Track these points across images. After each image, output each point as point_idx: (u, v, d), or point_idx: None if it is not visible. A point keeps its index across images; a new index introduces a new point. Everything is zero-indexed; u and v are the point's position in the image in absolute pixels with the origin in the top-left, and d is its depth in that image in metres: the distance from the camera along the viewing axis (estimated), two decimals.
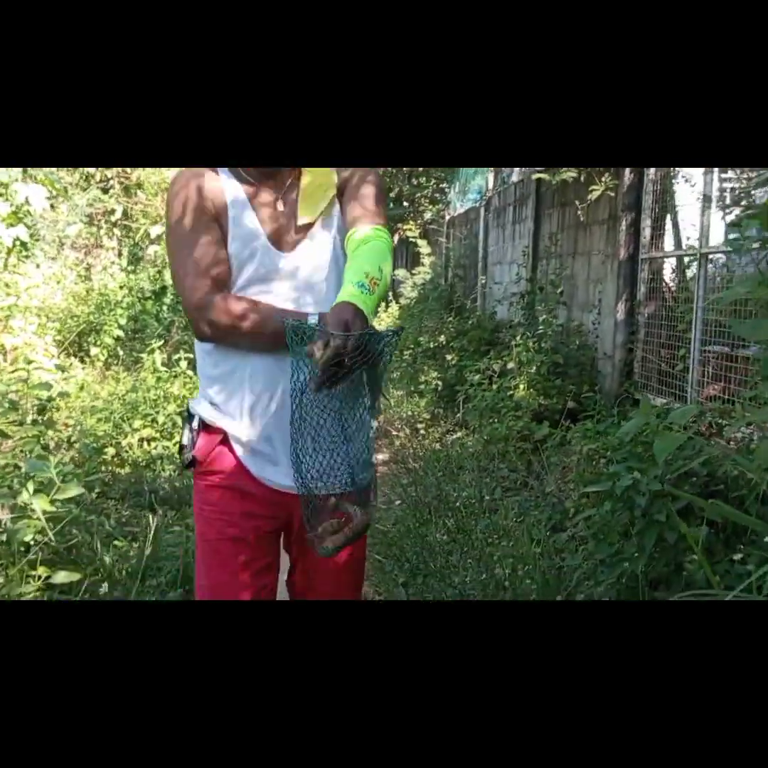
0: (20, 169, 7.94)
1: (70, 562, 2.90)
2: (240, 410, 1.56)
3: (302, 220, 1.57)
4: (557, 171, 5.42)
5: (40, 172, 8.28)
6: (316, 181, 1.60)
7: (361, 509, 1.41)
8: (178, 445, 1.65)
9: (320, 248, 1.60)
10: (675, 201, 5.30)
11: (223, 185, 1.56)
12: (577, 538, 3.18)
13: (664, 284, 5.49)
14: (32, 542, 2.48)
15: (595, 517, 2.68)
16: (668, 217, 5.34)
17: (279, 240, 1.57)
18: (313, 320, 1.42)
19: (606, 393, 5.51)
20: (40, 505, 2.35)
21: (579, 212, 5.61)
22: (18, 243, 7.19)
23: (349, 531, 1.39)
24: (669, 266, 5.53)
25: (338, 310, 1.31)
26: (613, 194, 5.08)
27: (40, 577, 2.48)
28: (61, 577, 2.46)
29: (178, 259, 1.55)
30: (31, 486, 2.53)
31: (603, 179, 4.95)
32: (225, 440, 1.57)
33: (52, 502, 2.46)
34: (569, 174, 5.08)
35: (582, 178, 5.27)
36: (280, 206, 1.58)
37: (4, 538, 2.44)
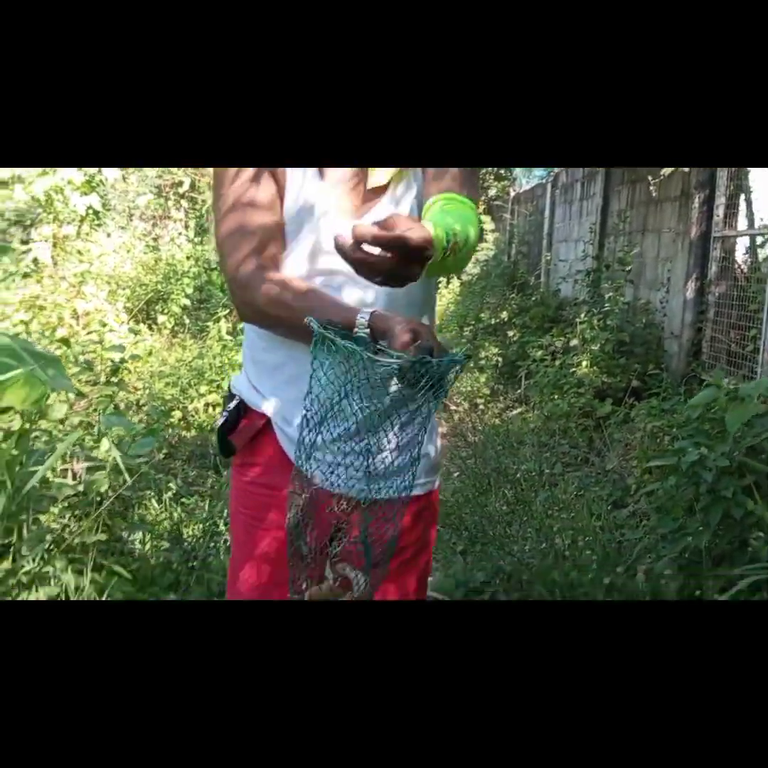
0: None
1: (140, 518, 3.02)
2: (284, 402, 1.35)
3: (373, 182, 1.31)
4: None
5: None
6: None
7: (365, 576, 1.14)
8: (216, 430, 1.44)
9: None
10: (749, 179, 5.16)
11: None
12: (639, 514, 3.16)
13: (736, 263, 5.36)
14: (106, 494, 2.58)
15: (659, 492, 2.66)
16: (742, 195, 5.21)
17: (344, 205, 1.32)
18: (362, 322, 1.11)
19: (672, 372, 5.42)
20: (116, 458, 2.44)
21: (651, 188, 5.49)
22: (91, 211, 7.39)
23: (347, 598, 1.12)
24: (742, 245, 5.40)
25: (405, 323, 1.06)
26: (686, 170, 4.96)
27: (110, 527, 2.60)
28: (131, 527, 2.56)
29: (226, 218, 1.30)
30: (106, 441, 2.64)
31: None
32: (267, 427, 1.37)
33: (125, 456, 2.55)
34: None
35: None
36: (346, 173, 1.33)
37: (81, 488, 2.54)
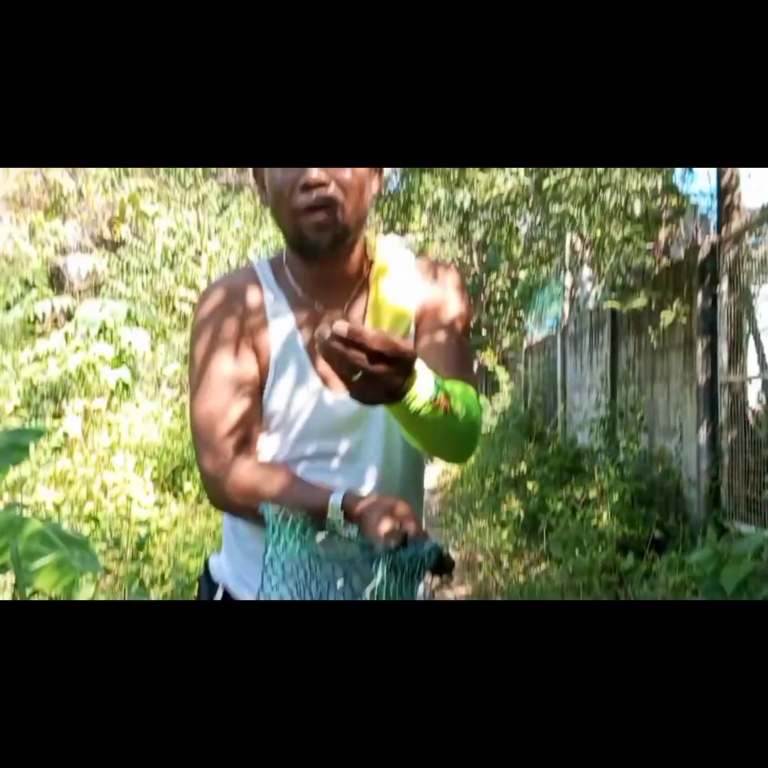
0: (126, 313, 8.56)
1: None
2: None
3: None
4: (627, 299, 5.57)
5: (142, 316, 8.93)
6: (387, 302, 1.29)
7: None
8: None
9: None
10: (756, 323, 5.31)
11: (267, 312, 1.26)
12: None
13: (747, 408, 5.45)
14: None
15: None
16: (745, 340, 5.36)
17: (335, 377, 1.13)
18: (336, 502, 1.09)
19: (693, 521, 5.40)
20: None
21: (652, 339, 5.70)
22: (121, 385, 7.71)
23: None
24: (754, 389, 5.51)
25: (383, 511, 1.04)
26: (685, 320, 5.18)
27: None
28: None
29: (198, 404, 1.23)
30: None
31: (674, 306, 5.07)
32: None
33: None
34: (640, 302, 5.21)
35: (653, 306, 5.40)
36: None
37: None
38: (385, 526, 1.02)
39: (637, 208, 5.30)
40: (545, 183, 4.61)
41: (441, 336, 1.29)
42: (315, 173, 1.15)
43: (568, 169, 4.57)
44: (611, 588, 4.57)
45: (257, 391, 1.24)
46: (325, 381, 1.24)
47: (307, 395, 1.25)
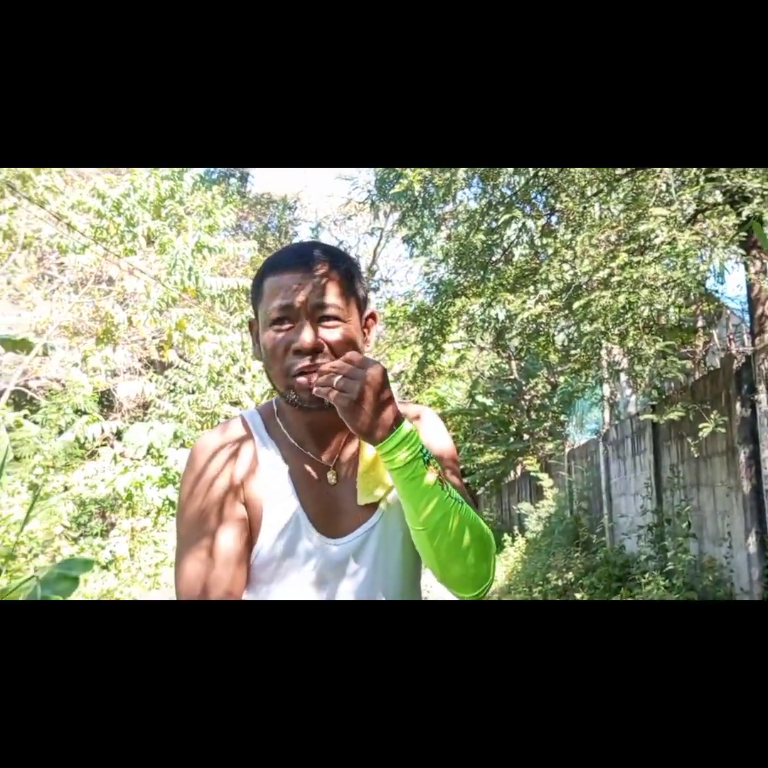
0: (172, 433, 8.80)
1: None
2: None
3: (363, 500, 1.24)
4: (664, 411, 5.59)
5: (188, 436, 9.15)
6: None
7: None
8: None
9: (393, 532, 1.25)
10: None
11: (260, 463, 1.25)
12: None
13: None
14: None
15: None
16: None
17: (328, 524, 1.23)
18: None
19: None
20: None
21: (692, 448, 5.68)
22: (167, 503, 7.85)
23: None
24: None
25: None
26: (723, 430, 5.17)
27: None
28: None
29: (183, 555, 1.19)
30: None
31: (712, 416, 5.07)
32: None
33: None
34: (677, 413, 5.23)
35: (691, 417, 5.41)
36: (332, 479, 1.26)
37: None
38: None
39: (672, 317, 5.40)
40: (575, 305, 4.74)
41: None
42: (308, 338, 1.14)
43: (597, 292, 4.71)
44: None
45: (246, 542, 1.21)
46: (320, 528, 1.22)
47: (304, 542, 1.22)
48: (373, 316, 1.29)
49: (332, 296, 1.18)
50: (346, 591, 1.22)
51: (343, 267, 1.21)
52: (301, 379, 1.15)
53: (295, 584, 1.21)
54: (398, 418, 1.10)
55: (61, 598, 3.15)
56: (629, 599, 2.42)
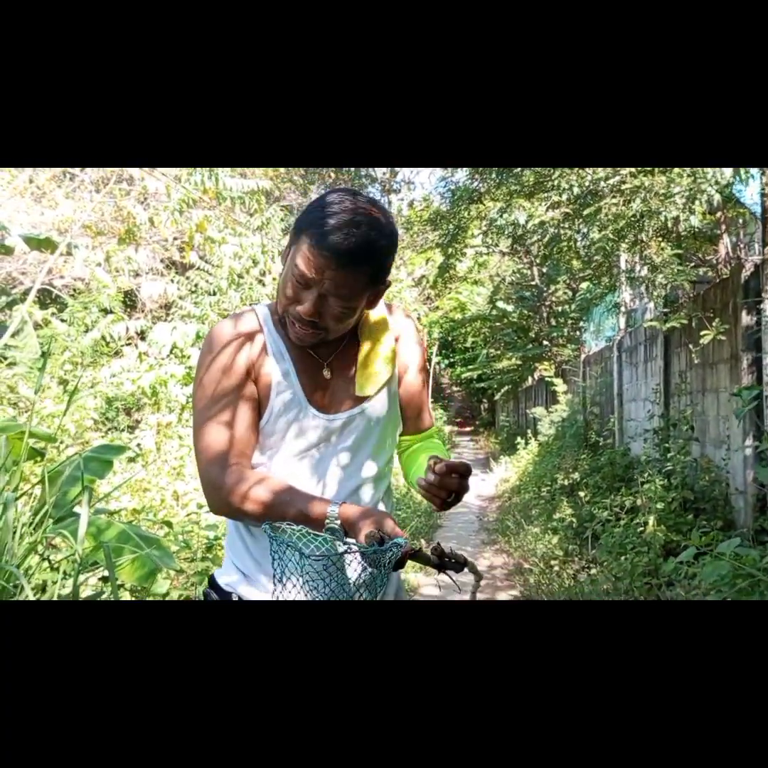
0: (195, 333, 9.01)
1: None
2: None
3: (359, 392, 1.52)
4: (666, 319, 5.74)
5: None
6: (376, 353, 1.54)
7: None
8: None
9: (373, 421, 1.54)
10: None
11: (269, 350, 1.48)
12: None
13: None
14: None
15: None
16: None
17: (322, 405, 1.50)
18: (333, 514, 1.32)
19: (741, 527, 5.54)
20: None
21: (693, 355, 5.86)
22: (190, 399, 8.17)
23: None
24: None
25: (368, 520, 1.29)
26: (723, 338, 5.33)
27: None
28: None
29: (203, 423, 1.42)
30: None
31: (714, 324, 5.23)
32: None
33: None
34: (680, 321, 5.39)
35: (693, 324, 5.56)
36: (326, 374, 1.51)
37: None
38: (367, 530, 1.27)
39: (694, 223, 5.47)
40: (586, 211, 4.84)
41: (417, 387, 1.63)
42: (308, 312, 1.38)
43: (607, 199, 4.80)
44: (653, 590, 4.78)
45: (256, 414, 1.46)
46: (317, 406, 1.49)
47: (305, 417, 1.48)
48: (387, 285, 1.49)
49: (345, 299, 1.39)
50: (329, 457, 1.49)
51: (372, 269, 1.39)
52: (295, 327, 1.42)
53: (293, 449, 1.47)
54: None
55: (97, 479, 3.46)
56: (628, 600, 2.54)
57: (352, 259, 1.34)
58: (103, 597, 2.94)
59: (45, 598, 2.37)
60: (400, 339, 1.61)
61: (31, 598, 2.11)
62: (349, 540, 1.30)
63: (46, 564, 2.82)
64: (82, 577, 2.78)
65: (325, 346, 1.50)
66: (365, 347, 1.54)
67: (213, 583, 1.54)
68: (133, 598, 3.08)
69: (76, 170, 9.82)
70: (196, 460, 1.44)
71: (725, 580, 3.07)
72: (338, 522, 1.31)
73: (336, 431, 1.50)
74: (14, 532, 2.45)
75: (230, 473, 1.39)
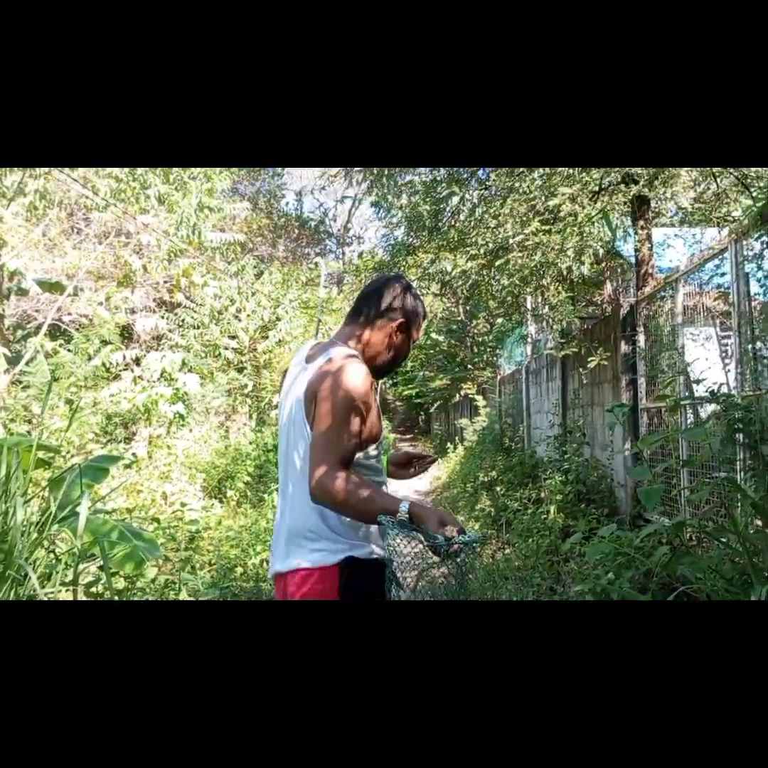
0: (181, 361, 8.93)
1: None
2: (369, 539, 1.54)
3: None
4: (561, 348, 5.87)
5: (194, 363, 9.30)
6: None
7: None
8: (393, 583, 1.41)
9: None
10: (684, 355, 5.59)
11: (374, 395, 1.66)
12: None
13: (662, 426, 5.73)
14: None
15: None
16: (659, 377, 5.66)
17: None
18: (404, 510, 1.37)
19: (622, 513, 5.67)
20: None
21: (582, 377, 6.00)
22: (177, 416, 8.05)
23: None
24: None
25: (437, 514, 1.36)
26: (606, 363, 5.47)
27: None
28: None
29: (349, 431, 1.50)
30: (184, 592, 3.02)
31: (599, 352, 5.38)
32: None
33: (199, 602, 2.92)
34: (572, 349, 5.52)
35: (582, 352, 5.70)
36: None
37: None
38: (440, 523, 1.31)
39: (575, 274, 5.64)
40: (497, 263, 4.95)
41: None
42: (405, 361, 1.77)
43: (514, 253, 4.92)
44: (554, 566, 4.86)
45: (370, 428, 1.59)
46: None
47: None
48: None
49: None
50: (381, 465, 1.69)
51: None
52: (385, 371, 1.73)
53: (380, 462, 1.66)
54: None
55: (95, 484, 3.38)
56: (625, 600, 2.51)
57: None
58: (100, 583, 2.87)
59: (49, 584, 2.31)
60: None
61: (37, 584, 2.05)
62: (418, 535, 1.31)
63: (51, 556, 2.74)
64: (81, 566, 2.71)
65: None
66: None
67: (352, 562, 1.52)
68: (127, 584, 3.00)
69: (82, 225, 9.65)
70: (320, 456, 1.46)
71: (608, 557, 3.14)
72: (407, 515, 1.36)
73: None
74: (24, 531, 2.38)
75: (339, 477, 1.44)
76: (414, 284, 1.99)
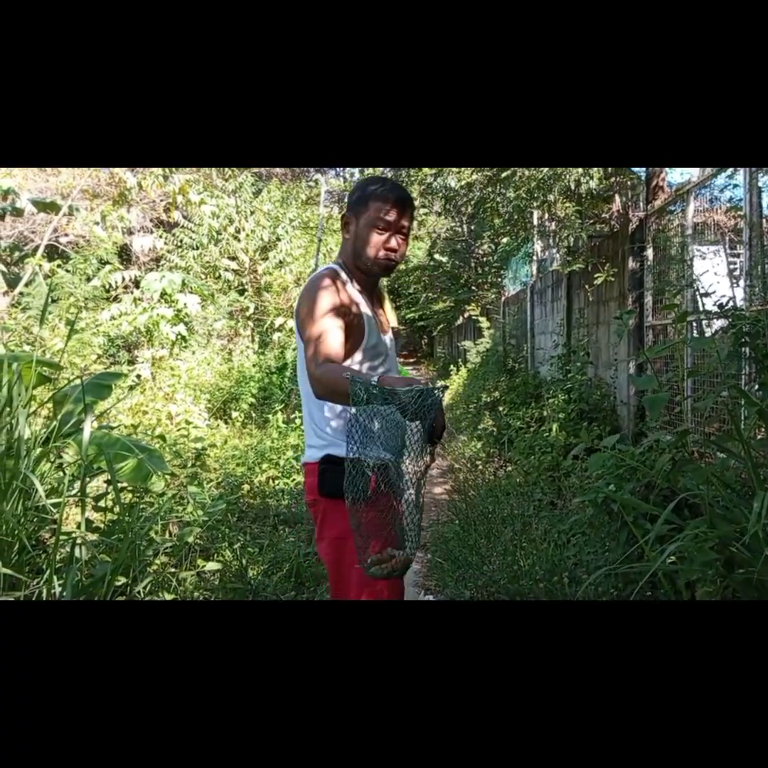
0: (181, 281, 8.81)
1: (217, 560, 3.39)
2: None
3: (390, 324, 1.95)
4: (568, 264, 5.76)
5: (194, 284, 9.18)
6: (386, 302, 1.99)
7: (401, 552, 1.42)
8: (350, 494, 1.48)
9: (390, 338, 1.93)
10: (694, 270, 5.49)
11: (353, 294, 1.76)
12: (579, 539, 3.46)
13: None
14: (193, 543, 2.98)
15: (583, 519, 2.98)
16: (667, 293, 5.57)
17: (381, 331, 1.83)
18: (375, 380, 1.42)
19: (625, 432, 5.72)
20: (198, 516, 2.86)
21: (588, 294, 5.92)
22: (179, 337, 8.03)
23: (394, 568, 1.42)
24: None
25: (407, 379, 1.44)
26: (612, 280, 5.38)
27: (196, 565, 2.99)
28: (210, 566, 2.96)
29: (316, 329, 1.63)
30: (191, 506, 3.07)
31: (606, 268, 5.27)
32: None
33: (207, 514, 2.98)
34: (578, 265, 5.42)
35: (589, 268, 5.60)
36: (371, 309, 1.84)
37: (175, 540, 2.96)
38: (407, 384, 1.36)
39: (583, 188, 5.46)
40: (503, 175, 4.78)
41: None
42: (395, 244, 1.75)
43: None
44: (555, 481, 4.93)
45: (352, 333, 1.71)
46: (383, 331, 1.85)
47: (378, 335, 1.81)
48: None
49: (405, 234, 1.77)
50: (389, 362, 1.84)
51: (412, 210, 1.78)
52: (383, 262, 1.75)
53: (382, 355, 1.80)
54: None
55: (100, 401, 3.38)
56: (623, 600, 2.48)
57: (408, 203, 1.75)
58: (109, 497, 2.89)
59: (54, 496, 2.34)
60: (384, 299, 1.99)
61: (43, 495, 2.07)
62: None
63: (57, 470, 2.77)
64: (88, 482, 2.74)
65: (370, 298, 1.83)
66: (382, 296, 1.96)
67: (329, 459, 1.68)
68: (134, 498, 3.04)
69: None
70: (306, 353, 1.62)
71: (609, 470, 3.16)
72: (376, 379, 1.43)
73: (389, 346, 1.87)
74: (28, 443, 2.40)
75: (325, 367, 1.56)
76: (416, 200, 1.91)
